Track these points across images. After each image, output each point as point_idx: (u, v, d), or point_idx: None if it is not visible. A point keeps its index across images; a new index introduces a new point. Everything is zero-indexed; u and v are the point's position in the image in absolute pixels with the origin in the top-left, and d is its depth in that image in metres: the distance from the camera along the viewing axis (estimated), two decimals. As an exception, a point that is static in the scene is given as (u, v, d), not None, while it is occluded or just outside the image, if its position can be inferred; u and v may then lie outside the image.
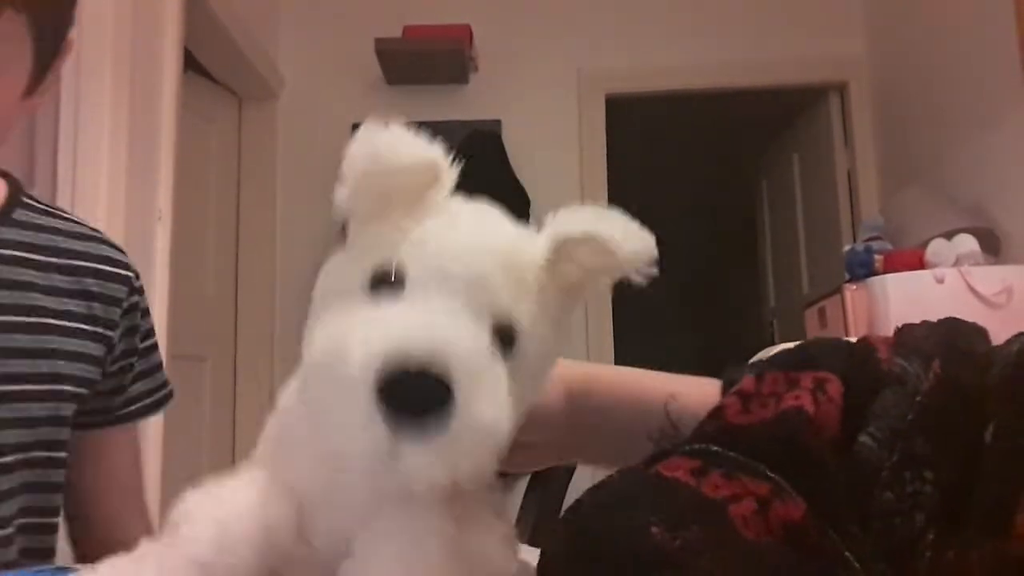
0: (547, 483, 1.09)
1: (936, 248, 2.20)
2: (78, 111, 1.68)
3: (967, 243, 2.16)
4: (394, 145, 0.42)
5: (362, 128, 0.43)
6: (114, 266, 0.89)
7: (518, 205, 2.97)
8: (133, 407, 0.92)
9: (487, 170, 2.96)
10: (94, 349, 0.84)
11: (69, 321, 0.83)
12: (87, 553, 0.87)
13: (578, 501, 0.36)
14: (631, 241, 0.41)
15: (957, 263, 2.13)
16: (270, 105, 3.18)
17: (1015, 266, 2.18)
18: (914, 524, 0.31)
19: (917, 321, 0.42)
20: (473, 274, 0.39)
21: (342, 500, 0.41)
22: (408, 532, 0.39)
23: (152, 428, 1.77)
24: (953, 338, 0.38)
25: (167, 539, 0.41)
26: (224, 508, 0.41)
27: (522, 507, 1.10)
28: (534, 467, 0.53)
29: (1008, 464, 0.32)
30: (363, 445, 0.35)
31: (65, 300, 0.83)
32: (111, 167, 1.73)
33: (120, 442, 0.93)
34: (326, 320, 0.39)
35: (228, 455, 2.86)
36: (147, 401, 0.94)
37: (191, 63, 2.57)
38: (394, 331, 0.35)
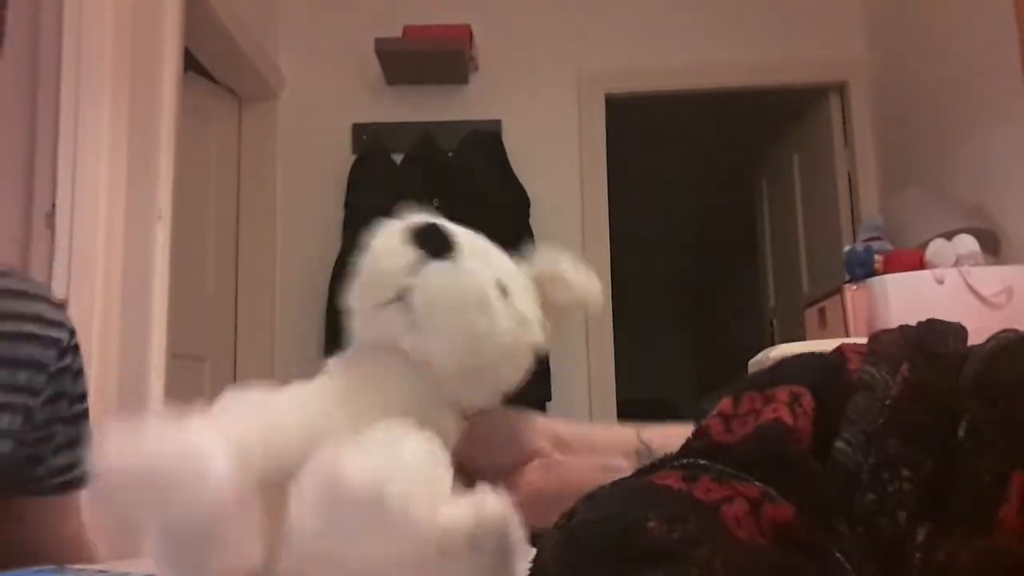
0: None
1: (936, 248, 2.20)
2: (78, 111, 1.68)
3: (967, 243, 2.16)
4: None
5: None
6: (46, 327, 0.83)
7: (518, 205, 2.97)
8: (55, 480, 0.84)
9: (487, 170, 2.96)
10: (8, 422, 0.78)
11: None
12: None
13: (572, 507, 0.36)
14: (586, 283, 0.57)
15: (957, 263, 2.13)
16: (270, 105, 3.18)
17: (1015, 266, 2.18)
18: (898, 523, 0.32)
19: (917, 321, 0.42)
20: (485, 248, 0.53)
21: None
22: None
23: (152, 428, 1.77)
24: (924, 340, 0.39)
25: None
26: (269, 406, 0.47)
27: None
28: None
29: (983, 458, 0.32)
30: (396, 261, 0.48)
31: None
32: (111, 167, 1.73)
33: (54, 515, 0.85)
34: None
35: (228, 455, 2.86)
36: (64, 478, 0.85)
37: (191, 63, 2.57)
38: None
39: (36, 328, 0.82)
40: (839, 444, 0.34)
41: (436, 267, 0.47)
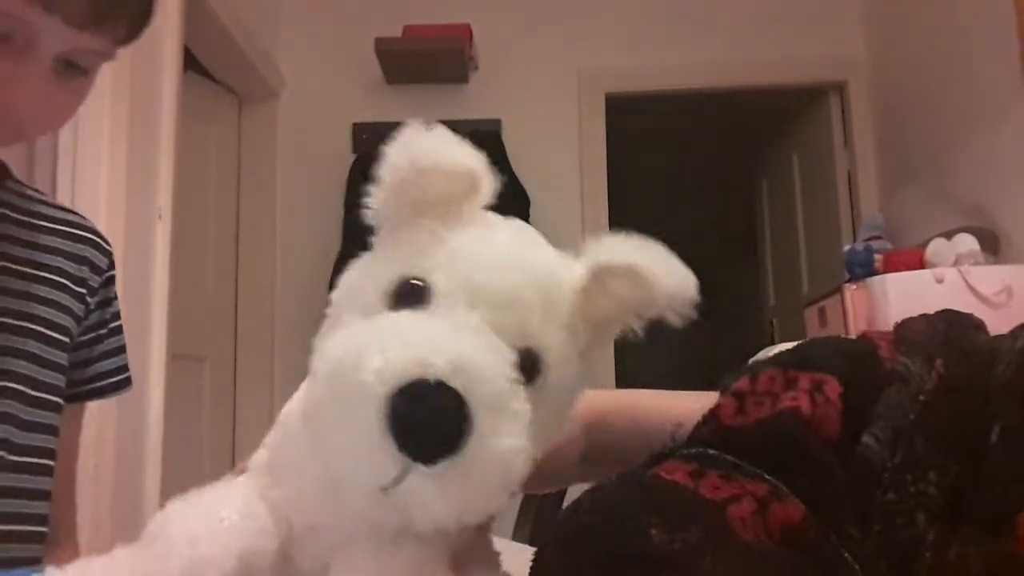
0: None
1: (936, 248, 2.19)
2: (78, 111, 1.68)
3: (967, 243, 2.16)
4: (434, 149, 0.39)
5: (403, 130, 0.40)
6: (99, 237, 0.94)
7: (518, 205, 2.97)
8: (100, 384, 0.94)
9: (487, 170, 2.95)
10: (77, 309, 0.88)
11: (59, 276, 0.86)
12: None
13: (577, 502, 0.36)
14: (671, 278, 0.39)
15: (957, 263, 2.13)
16: (270, 105, 3.18)
17: (1015, 266, 2.18)
18: (916, 525, 0.31)
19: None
20: (505, 293, 0.36)
21: (336, 528, 0.38)
22: (379, 565, 0.37)
23: (152, 428, 1.77)
24: (954, 335, 0.38)
25: (141, 550, 0.38)
26: (201, 526, 0.38)
27: (521, 507, 1.10)
28: (540, 491, 0.53)
29: (1014, 465, 0.31)
30: (367, 471, 0.32)
31: (58, 258, 0.87)
32: (111, 167, 1.73)
33: (78, 420, 0.95)
34: (341, 329, 0.36)
35: (228, 455, 2.86)
36: (114, 379, 0.96)
37: (191, 63, 2.57)
38: (414, 343, 0.32)
39: (96, 237, 0.93)
40: (866, 439, 0.34)
41: (427, 489, 0.32)
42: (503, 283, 0.36)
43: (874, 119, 3.17)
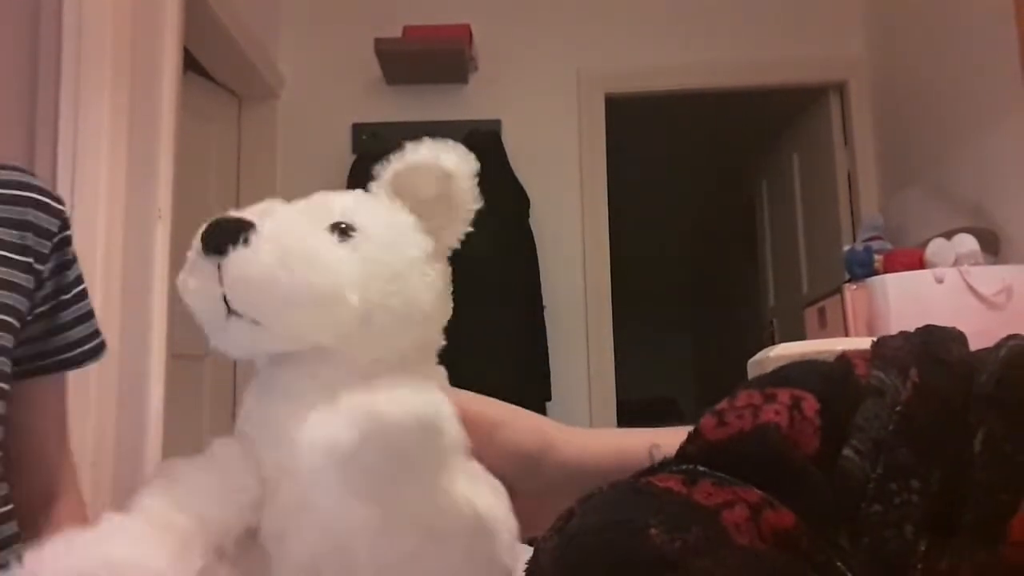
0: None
1: (936, 248, 2.19)
2: (78, 111, 1.68)
3: (967, 243, 2.16)
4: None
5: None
6: (48, 197, 0.87)
7: (517, 205, 2.97)
8: (73, 353, 0.90)
9: (487, 170, 2.95)
10: (24, 280, 0.81)
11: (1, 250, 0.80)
12: (27, 502, 0.86)
13: (570, 509, 0.36)
14: (452, 162, 0.50)
15: (957, 263, 2.13)
16: (270, 105, 3.18)
17: (1015, 266, 2.18)
18: (904, 536, 0.31)
19: (916, 321, 0.41)
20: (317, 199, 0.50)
21: (275, 426, 0.46)
22: None
23: (152, 427, 1.77)
24: (929, 345, 0.38)
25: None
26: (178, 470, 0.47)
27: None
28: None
29: (1000, 472, 0.31)
30: (191, 282, 0.46)
31: None
32: (111, 167, 1.72)
33: (59, 394, 0.91)
34: None
35: (228, 455, 2.86)
36: (87, 347, 0.91)
37: (191, 63, 2.57)
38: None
39: (40, 196, 0.85)
40: (847, 452, 0.34)
41: (232, 256, 0.43)
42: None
43: (874, 119, 3.17)
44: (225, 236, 0.44)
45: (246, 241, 0.43)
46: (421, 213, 0.49)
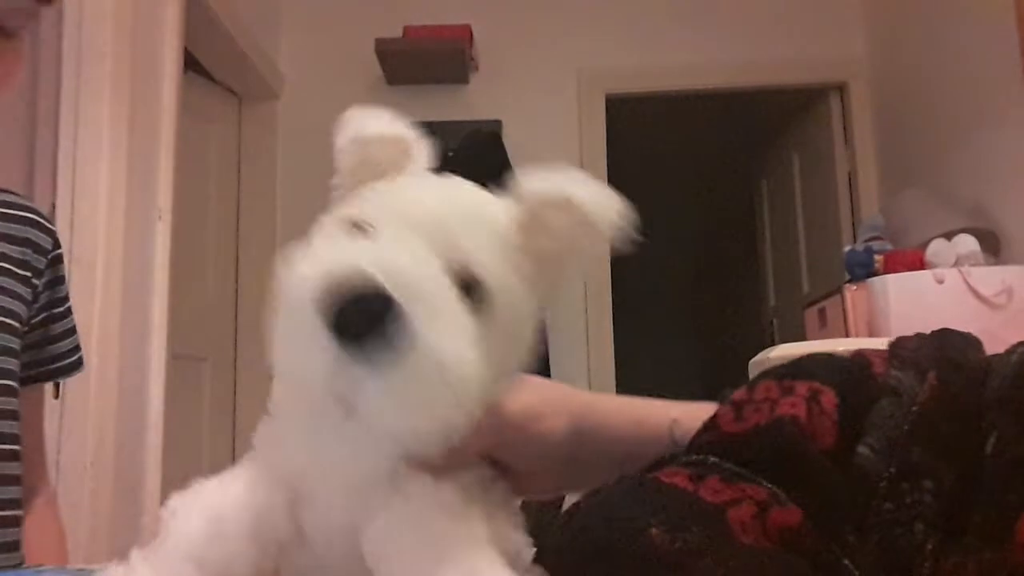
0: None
1: (936, 248, 2.19)
2: (78, 111, 1.68)
3: (967, 243, 2.16)
4: (366, 121, 0.48)
5: (347, 115, 0.48)
6: (40, 217, 0.94)
7: (518, 205, 2.96)
8: (57, 365, 0.95)
9: (487, 170, 2.96)
10: (25, 292, 0.88)
11: (3, 262, 0.87)
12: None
13: (576, 504, 0.36)
14: (606, 206, 0.40)
15: (957, 263, 2.13)
16: (270, 105, 3.18)
17: (1015, 266, 2.18)
18: (914, 535, 0.31)
19: (916, 321, 0.42)
20: (433, 218, 0.38)
21: (332, 479, 0.41)
22: (415, 517, 0.39)
23: (152, 428, 1.77)
24: (947, 349, 0.38)
25: (158, 537, 0.41)
26: (213, 501, 0.42)
27: (520, 510, 1.10)
28: (532, 495, 0.51)
29: (1011, 475, 0.31)
30: (312, 362, 0.34)
31: (2, 243, 0.87)
32: (111, 167, 1.73)
33: (39, 404, 0.96)
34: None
35: (228, 455, 2.86)
36: (70, 360, 0.97)
37: (191, 63, 2.57)
38: (345, 255, 0.35)
39: (37, 217, 0.93)
40: (862, 449, 0.34)
41: (373, 387, 0.33)
42: (431, 210, 0.39)
43: (874, 119, 3.17)
44: (363, 324, 0.33)
45: (393, 345, 0.33)
46: (538, 269, 0.40)
